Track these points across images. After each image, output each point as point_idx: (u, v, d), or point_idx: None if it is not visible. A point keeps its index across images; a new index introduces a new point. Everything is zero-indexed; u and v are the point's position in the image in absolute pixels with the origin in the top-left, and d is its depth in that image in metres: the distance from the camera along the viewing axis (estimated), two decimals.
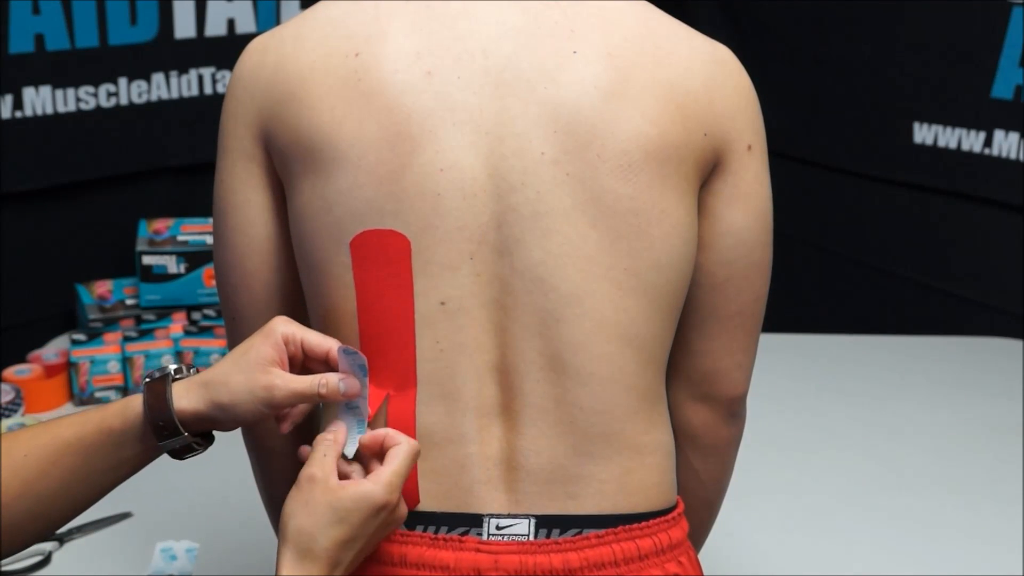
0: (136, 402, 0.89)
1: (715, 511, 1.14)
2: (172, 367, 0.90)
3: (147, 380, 0.89)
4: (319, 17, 0.94)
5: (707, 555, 1.11)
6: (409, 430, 0.92)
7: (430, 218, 0.89)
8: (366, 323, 0.91)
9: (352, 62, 0.90)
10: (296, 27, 0.95)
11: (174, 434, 0.88)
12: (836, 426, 1.92)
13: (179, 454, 0.91)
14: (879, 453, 1.83)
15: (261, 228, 0.97)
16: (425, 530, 0.93)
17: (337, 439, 0.89)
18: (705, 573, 1.03)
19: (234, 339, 1.02)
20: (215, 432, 0.93)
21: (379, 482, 0.85)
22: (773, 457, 1.76)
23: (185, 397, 0.88)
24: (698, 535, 1.12)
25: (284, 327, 0.89)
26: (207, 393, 0.88)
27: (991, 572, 1.51)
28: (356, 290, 0.91)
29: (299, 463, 0.98)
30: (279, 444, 1.04)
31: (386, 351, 0.91)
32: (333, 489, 0.85)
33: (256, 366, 0.87)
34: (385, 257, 0.90)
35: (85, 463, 0.89)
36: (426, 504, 0.93)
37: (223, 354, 1.93)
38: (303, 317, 0.98)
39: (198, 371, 0.91)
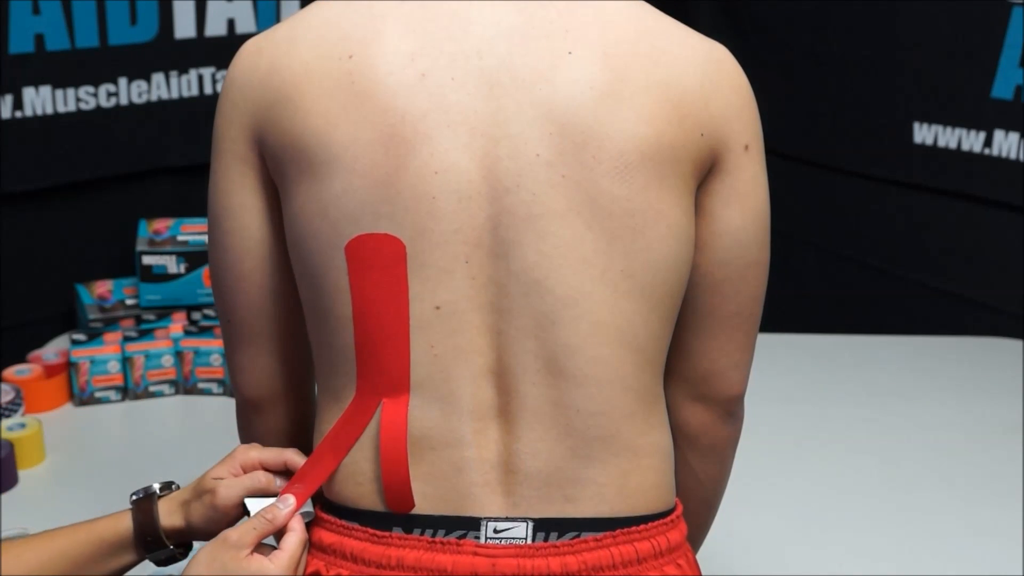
0: (125, 517, 0.99)
1: (714, 511, 1.14)
2: (156, 486, 1.01)
3: (134, 499, 1.00)
4: (313, 18, 0.93)
5: (706, 556, 1.11)
6: (401, 435, 0.92)
7: (425, 221, 0.89)
8: (361, 327, 0.91)
9: (346, 64, 0.90)
10: (290, 28, 0.94)
11: (161, 547, 0.99)
12: (836, 426, 1.92)
13: (164, 563, 1.01)
14: (879, 453, 1.83)
15: (256, 231, 0.97)
16: (422, 533, 0.92)
17: (275, 523, 0.94)
18: (704, 574, 1.03)
19: (230, 341, 1.02)
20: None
21: (279, 562, 0.92)
22: (772, 457, 1.76)
23: (169, 516, 0.99)
24: (697, 535, 1.11)
25: (243, 455, 0.99)
26: (185, 512, 0.99)
27: (991, 572, 1.51)
28: (352, 295, 0.91)
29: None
30: (275, 446, 1.03)
31: (380, 355, 0.91)
32: (240, 559, 0.91)
33: (207, 483, 0.98)
34: (380, 261, 0.89)
35: (79, 571, 0.99)
36: (423, 507, 0.92)
37: (223, 354, 1.93)
38: (298, 319, 0.98)
39: (177, 487, 1.02)
